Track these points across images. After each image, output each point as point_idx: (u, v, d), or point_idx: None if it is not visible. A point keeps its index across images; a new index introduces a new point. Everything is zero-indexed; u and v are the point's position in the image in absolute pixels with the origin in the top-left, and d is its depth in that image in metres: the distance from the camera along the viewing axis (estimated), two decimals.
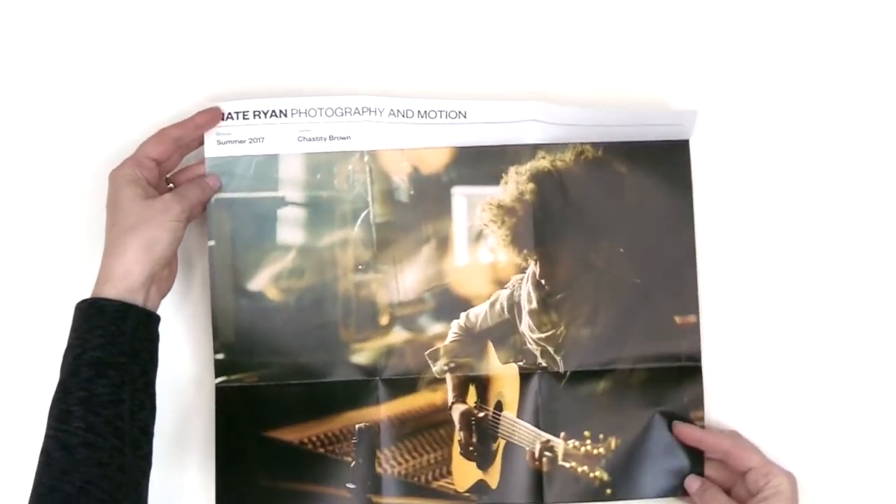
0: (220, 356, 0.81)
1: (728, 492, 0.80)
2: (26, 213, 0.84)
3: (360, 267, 0.82)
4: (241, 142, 0.80)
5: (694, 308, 0.82)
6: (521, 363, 0.82)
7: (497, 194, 0.82)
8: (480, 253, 0.82)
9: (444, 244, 0.82)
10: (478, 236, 0.82)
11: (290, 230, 0.81)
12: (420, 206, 0.82)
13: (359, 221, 0.82)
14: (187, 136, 0.79)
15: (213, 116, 0.80)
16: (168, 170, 0.80)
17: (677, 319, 0.82)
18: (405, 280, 0.82)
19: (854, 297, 0.84)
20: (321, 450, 0.81)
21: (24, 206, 0.84)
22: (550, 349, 0.82)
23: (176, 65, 0.84)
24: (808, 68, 0.85)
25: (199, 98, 0.81)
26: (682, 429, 0.81)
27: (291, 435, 0.81)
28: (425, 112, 0.81)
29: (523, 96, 0.82)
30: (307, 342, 0.81)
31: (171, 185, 0.80)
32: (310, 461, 0.81)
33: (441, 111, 0.81)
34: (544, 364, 0.82)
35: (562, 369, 0.82)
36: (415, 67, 0.84)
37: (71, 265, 0.83)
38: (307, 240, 0.81)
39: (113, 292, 0.72)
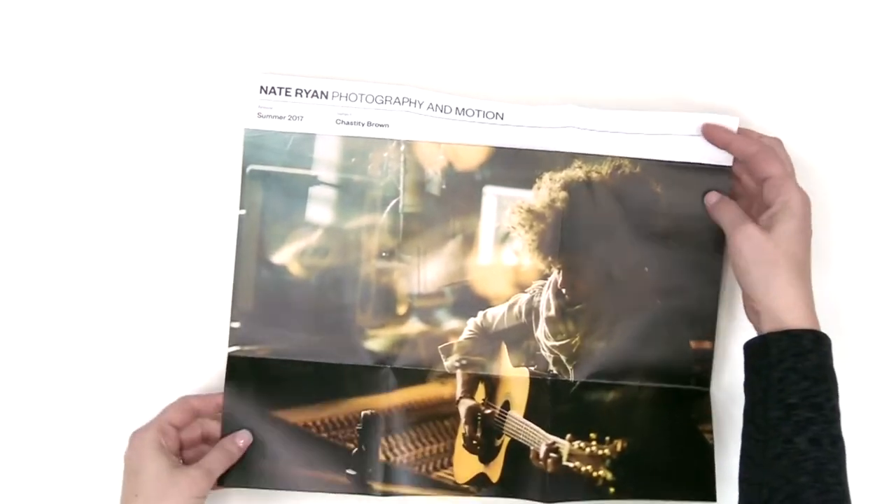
0: (237, 325, 0.82)
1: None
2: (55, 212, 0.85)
3: (383, 254, 0.82)
4: (280, 118, 0.80)
5: (710, 334, 0.82)
6: (532, 368, 0.82)
7: (528, 198, 0.82)
8: (505, 254, 0.82)
9: (469, 241, 0.82)
10: (504, 238, 0.82)
11: (319, 209, 0.82)
12: (450, 201, 0.82)
13: (388, 209, 0.82)
14: (207, 411, 0.80)
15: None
16: (185, 440, 0.79)
17: (692, 344, 0.82)
18: (427, 272, 0.82)
19: (874, 336, 0.84)
20: (324, 434, 0.81)
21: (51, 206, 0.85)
22: (563, 358, 0.82)
23: (220, 46, 0.83)
24: (861, 110, 0.84)
25: (242, 79, 0.81)
26: (712, 129, 0.80)
27: (296, 417, 0.81)
28: (463, 109, 0.81)
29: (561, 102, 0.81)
30: (323, 322, 0.82)
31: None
32: (312, 445, 0.81)
33: (479, 110, 0.81)
34: (555, 372, 0.82)
35: (572, 378, 0.82)
36: (455, 68, 0.83)
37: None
38: (335, 221, 0.82)
39: None
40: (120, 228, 0.83)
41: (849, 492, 0.69)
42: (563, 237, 0.82)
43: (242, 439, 0.80)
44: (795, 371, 0.70)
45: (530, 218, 0.82)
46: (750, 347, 0.74)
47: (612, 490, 0.81)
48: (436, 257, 0.82)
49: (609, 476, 0.82)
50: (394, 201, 0.82)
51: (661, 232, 0.81)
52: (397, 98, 0.80)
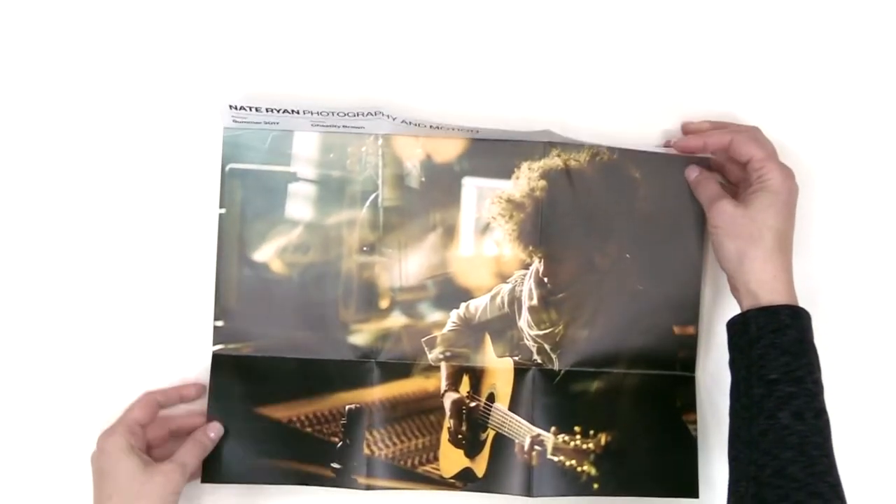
0: (220, 323, 0.82)
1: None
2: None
3: (364, 248, 0.82)
4: (256, 123, 0.80)
5: (693, 319, 0.82)
6: (516, 358, 0.82)
7: (507, 188, 0.82)
8: (486, 245, 0.82)
9: (450, 233, 0.82)
10: (484, 228, 0.82)
11: (299, 205, 0.82)
12: (429, 194, 0.82)
13: (367, 203, 0.82)
14: (170, 403, 0.81)
15: (198, 391, 0.82)
16: (152, 439, 0.80)
17: (676, 329, 0.82)
18: (408, 265, 0.82)
19: (854, 316, 0.85)
20: (308, 429, 0.81)
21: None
22: (547, 347, 0.82)
23: (190, 67, 0.83)
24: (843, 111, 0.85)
25: (213, 99, 0.81)
26: (681, 142, 0.80)
27: (281, 412, 0.81)
28: (437, 126, 0.79)
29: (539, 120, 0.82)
30: (306, 318, 0.82)
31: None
32: (297, 440, 0.81)
33: (454, 128, 0.80)
34: (539, 361, 0.82)
35: (556, 367, 0.82)
36: (429, 87, 0.83)
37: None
38: (315, 217, 0.82)
39: None
40: (101, 230, 0.83)
41: (835, 462, 0.69)
42: (543, 226, 0.82)
43: (213, 431, 0.80)
44: (775, 347, 0.70)
45: (510, 208, 0.82)
46: (732, 326, 0.75)
47: (595, 486, 0.81)
48: (417, 250, 0.82)
49: (593, 471, 0.81)
50: (373, 195, 0.82)
51: (641, 218, 0.82)
52: (370, 113, 0.79)
